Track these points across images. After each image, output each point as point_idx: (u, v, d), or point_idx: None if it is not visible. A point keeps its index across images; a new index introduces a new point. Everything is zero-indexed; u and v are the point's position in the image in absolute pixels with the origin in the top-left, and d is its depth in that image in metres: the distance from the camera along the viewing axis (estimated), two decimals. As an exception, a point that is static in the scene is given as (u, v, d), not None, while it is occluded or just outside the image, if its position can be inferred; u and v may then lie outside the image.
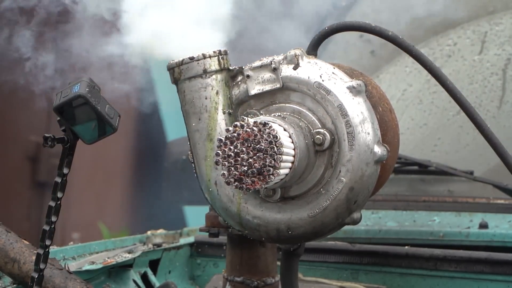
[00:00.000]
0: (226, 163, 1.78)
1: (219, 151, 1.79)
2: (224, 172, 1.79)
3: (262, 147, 1.77)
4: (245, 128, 1.78)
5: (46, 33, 2.31)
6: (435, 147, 3.26)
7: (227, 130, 1.79)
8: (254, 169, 1.77)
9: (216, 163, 1.80)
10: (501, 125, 3.16)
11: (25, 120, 6.71)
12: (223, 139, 1.79)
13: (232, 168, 1.78)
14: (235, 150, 1.78)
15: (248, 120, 1.79)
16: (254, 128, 1.77)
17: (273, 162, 1.76)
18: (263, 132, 1.77)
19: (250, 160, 1.77)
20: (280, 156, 1.76)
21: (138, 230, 3.10)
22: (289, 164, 1.80)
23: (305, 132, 1.88)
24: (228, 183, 1.80)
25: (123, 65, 2.21)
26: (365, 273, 2.60)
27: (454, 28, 3.47)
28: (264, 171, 1.77)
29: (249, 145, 1.78)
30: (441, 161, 3.11)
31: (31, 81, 2.27)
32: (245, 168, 1.78)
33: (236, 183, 1.79)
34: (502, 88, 3.24)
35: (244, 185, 1.78)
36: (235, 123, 1.79)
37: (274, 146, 1.76)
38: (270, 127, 1.77)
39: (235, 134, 1.78)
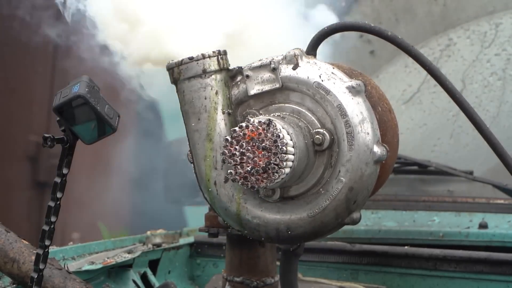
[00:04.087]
0: (231, 161, 1.80)
1: (225, 150, 1.81)
2: (231, 170, 1.81)
3: (267, 146, 1.78)
4: (250, 128, 1.79)
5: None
6: (435, 147, 3.27)
7: (234, 131, 1.81)
8: (259, 168, 1.79)
9: (223, 161, 1.82)
10: (501, 125, 3.16)
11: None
12: (229, 138, 1.81)
13: (238, 167, 1.80)
14: (241, 149, 1.80)
15: (253, 121, 1.80)
16: (259, 127, 1.79)
17: (277, 160, 1.78)
18: (267, 131, 1.79)
19: (255, 158, 1.79)
20: (284, 155, 1.78)
21: (138, 231, 3.10)
22: (290, 163, 1.81)
23: (304, 132, 1.88)
24: (234, 181, 1.82)
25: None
26: (365, 273, 2.61)
27: (454, 28, 3.47)
28: (269, 169, 1.78)
29: (254, 144, 1.79)
30: (441, 161, 3.11)
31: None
32: (250, 167, 1.79)
33: (242, 180, 1.81)
34: (502, 88, 3.25)
35: (249, 183, 1.80)
36: (241, 124, 1.81)
37: (279, 145, 1.78)
38: (274, 126, 1.78)
39: (241, 134, 1.80)
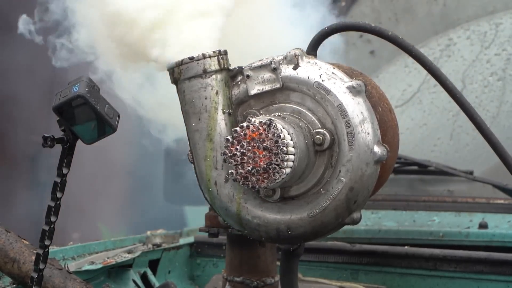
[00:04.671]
0: (232, 161, 1.80)
1: (226, 150, 1.81)
2: (232, 170, 1.81)
3: (268, 146, 1.78)
4: (251, 128, 1.80)
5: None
6: (435, 147, 3.27)
7: (235, 131, 1.81)
8: (259, 168, 1.79)
9: (224, 160, 1.83)
10: (501, 125, 3.16)
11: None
12: (230, 138, 1.81)
13: (239, 167, 1.80)
14: (242, 149, 1.80)
15: (254, 121, 1.80)
16: (260, 127, 1.79)
17: (278, 160, 1.78)
18: (267, 131, 1.79)
19: (256, 158, 1.79)
20: (285, 155, 1.78)
21: (137, 231, 3.10)
22: (291, 163, 1.81)
23: (305, 132, 1.88)
24: (235, 180, 1.83)
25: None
26: (365, 273, 2.61)
27: (454, 28, 3.47)
28: (269, 169, 1.79)
29: (255, 144, 1.79)
30: (441, 161, 3.11)
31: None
32: (250, 167, 1.80)
33: (243, 180, 1.81)
34: (502, 88, 3.25)
35: (250, 183, 1.80)
36: (241, 124, 1.81)
37: (280, 145, 1.78)
38: (275, 126, 1.78)
39: (242, 134, 1.80)
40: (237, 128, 1.82)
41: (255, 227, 1.95)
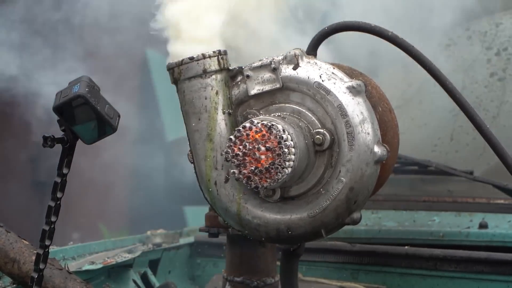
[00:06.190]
0: (235, 161, 1.81)
1: (228, 150, 1.81)
2: (234, 170, 1.81)
3: (270, 147, 1.79)
4: (254, 129, 1.80)
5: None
6: (435, 147, 3.26)
7: (238, 131, 1.81)
8: (262, 168, 1.79)
9: (226, 159, 1.83)
10: (501, 125, 3.16)
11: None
12: (233, 138, 1.81)
13: (242, 166, 1.81)
14: (244, 150, 1.80)
15: (257, 122, 1.81)
16: (262, 128, 1.80)
17: (281, 161, 1.78)
18: (270, 133, 1.79)
19: (258, 159, 1.79)
20: (287, 155, 1.79)
21: (138, 231, 3.10)
22: (291, 163, 1.81)
23: (305, 132, 1.88)
24: (237, 180, 1.83)
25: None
26: (365, 273, 2.61)
27: (454, 28, 3.47)
28: (271, 169, 1.79)
29: (257, 144, 1.80)
30: (441, 161, 3.11)
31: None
32: (253, 167, 1.80)
33: (245, 180, 1.81)
34: (502, 88, 3.25)
35: (252, 183, 1.81)
36: (244, 124, 1.81)
37: (282, 146, 1.78)
38: (277, 127, 1.79)
39: (245, 134, 1.80)
40: (240, 128, 1.82)
41: (255, 227, 1.95)
